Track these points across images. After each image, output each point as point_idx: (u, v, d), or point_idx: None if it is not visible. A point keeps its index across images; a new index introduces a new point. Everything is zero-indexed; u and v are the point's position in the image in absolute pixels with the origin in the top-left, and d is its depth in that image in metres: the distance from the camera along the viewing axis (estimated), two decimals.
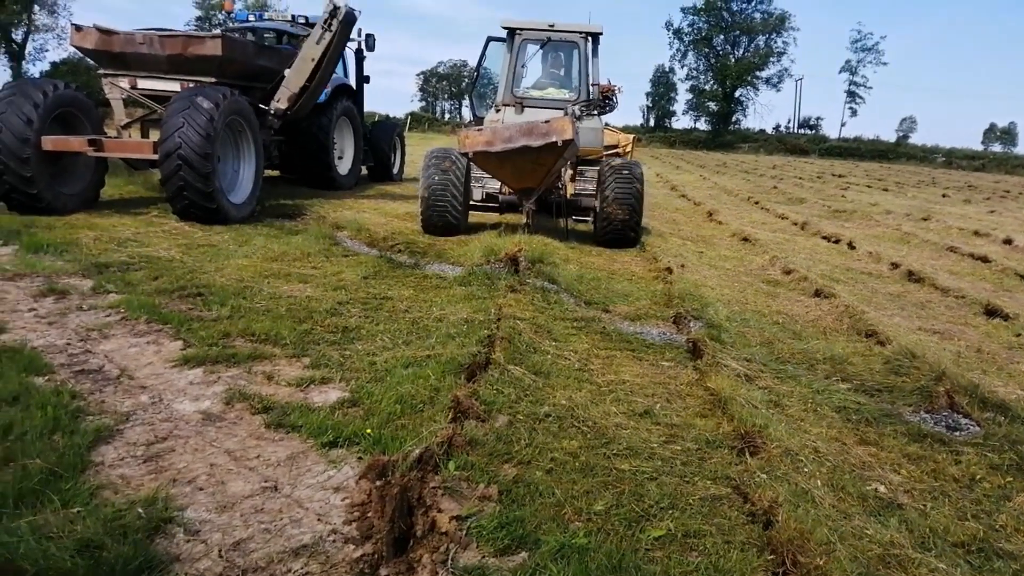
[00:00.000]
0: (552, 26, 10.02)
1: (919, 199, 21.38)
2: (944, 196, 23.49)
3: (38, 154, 8.40)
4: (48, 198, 8.57)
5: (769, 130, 74.61)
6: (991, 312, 6.82)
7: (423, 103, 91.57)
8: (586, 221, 10.12)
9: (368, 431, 3.33)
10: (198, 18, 54.85)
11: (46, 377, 3.77)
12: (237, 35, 12.67)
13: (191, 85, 9.32)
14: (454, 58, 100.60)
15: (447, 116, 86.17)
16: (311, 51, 10.63)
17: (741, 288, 7.29)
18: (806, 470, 3.30)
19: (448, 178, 8.91)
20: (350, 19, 10.69)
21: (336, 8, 10.34)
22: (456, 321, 5.21)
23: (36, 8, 45.95)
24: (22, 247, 6.72)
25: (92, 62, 10.07)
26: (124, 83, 9.67)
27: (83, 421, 3.29)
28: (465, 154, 8.38)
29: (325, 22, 10.43)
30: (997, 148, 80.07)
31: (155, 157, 8.60)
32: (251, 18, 14.79)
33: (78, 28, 9.34)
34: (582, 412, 3.76)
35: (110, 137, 9.51)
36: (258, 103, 10.61)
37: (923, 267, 8.91)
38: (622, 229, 9.10)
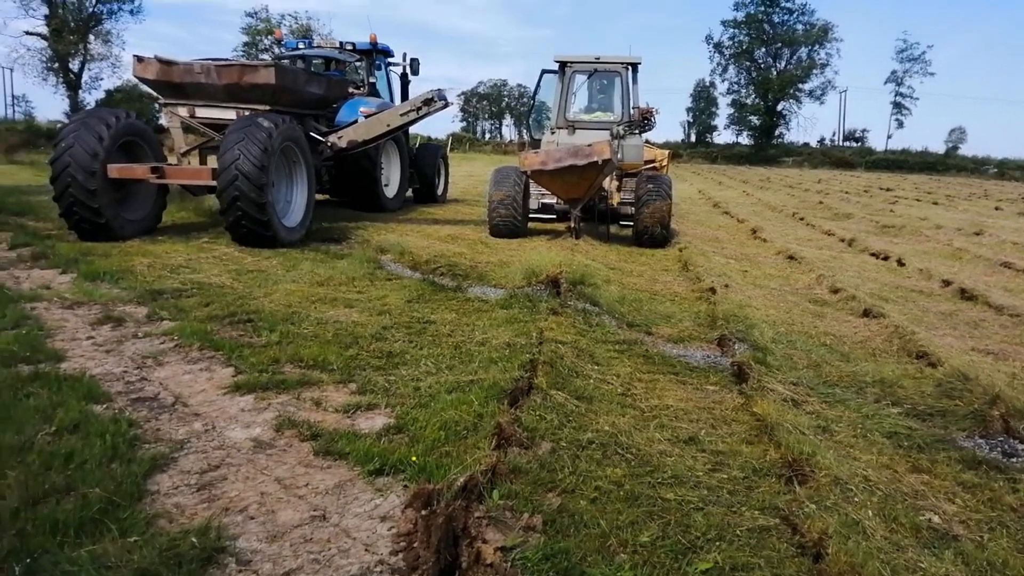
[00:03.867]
0: (598, 59, 11.96)
1: (971, 212, 20.83)
2: (997, 209, 22.84)
3: (104, 181, 8.80)
4: (113, 224, 8.96)
5: (813, 143, 73.59)
6: None
7: (464, 123, 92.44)
8: (628, 226, 11.56)
9: (413, 458, 3.37)
10: (245, 44, 56.27)
11: (104, 405, 3.90)
12: (287, 62, 13.14)
13: (246, 113, 9.66)
14: (494, 77, 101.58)
15: (487, 136, 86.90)
16: (392, 119, 11.40)
17: (787, 308, 7.19)
18: (856, 500, 3.23)
19: (510, 191, 10.86)
20: (441, 106, 11.53)
21: (434, 100, 11.31)
22: (498, 345, 5.24)
23: (92, 38, 47.67)
24: (80, 275, 6.97)
25: (152, 91, 10.51)
26: (183, 111, 10.04)
27: (140, 449, 3.39)
28: (524, 172, 10.50)
29: (420, 105, 11.33)
30: None
31: (214, 183, 8.92)
32: (300, 46, 15.19)
33: (140, 59, 9.74)
34: (626, 439, 3.75)
35: (171, 165, 9.87)
36: (310, 129, 11.01)
37: (976, 284, 8.67)
38: (653, 233, 10.85)
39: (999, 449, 4.03)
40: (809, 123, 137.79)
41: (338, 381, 4.47)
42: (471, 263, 8.70)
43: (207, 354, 4.87)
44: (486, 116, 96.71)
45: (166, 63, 9.64)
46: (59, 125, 36.44)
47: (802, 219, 16.86)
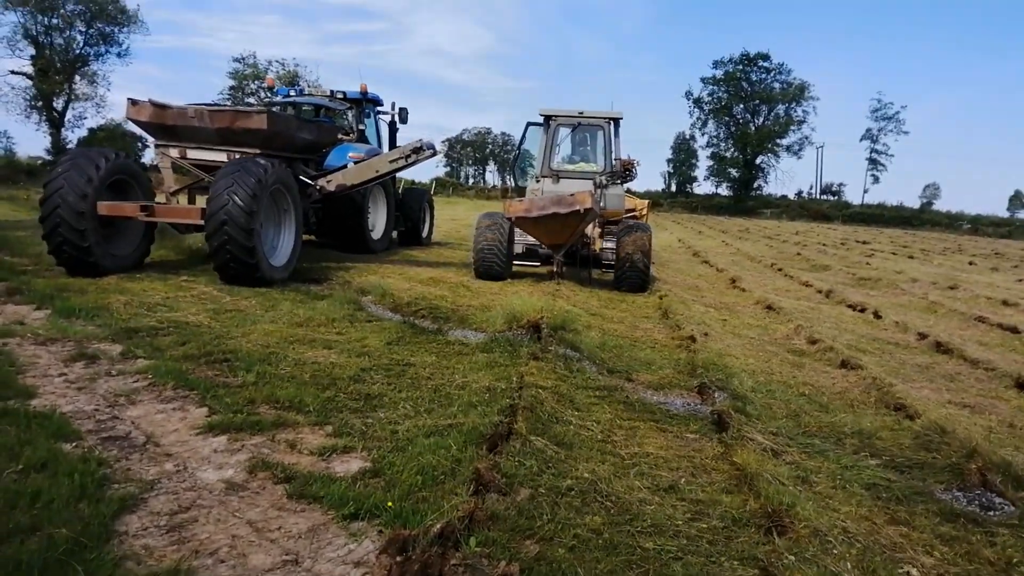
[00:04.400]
0: (581, 113, 12.53)
1: (945, 267, 21.21)
2: (971, 264, 23.29)
3: (93, 218, 8.89)
4: (100, 259, 9.04)
5: (791, 196, 75.01)
6: (1023, 385, 6.69)
7: (448, 168, 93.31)
8: (609, 272, 11.87)
9: (389, 504, 3.31)
10: (231, 87, 56.66)
11: (74, 443, 3.81)
12: (278, 108, 13.39)
13: (237, 156, 9.88)
14: (478, 125, 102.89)
15: (471, 181, 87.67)
16: (380, 165, 11.68)
17: (766, 358, 7.24)
18: (835, 551, 3.22)
19: (495, 236, 11.22)
20: (429, 155, 11.92)
21: (422, 149, 11.64)
22: (478, 389, 5.21)
23: (77, 79, 47.80)
24: (55, 312, 6.86)
25: (144, 133, 10.75)
26: (174, 152, 10.23)
27: (109, 489, 3.31)
28: (509, 218, 10.85)
29: (409, 154, 11.61)
30: (1023, 215, 79.46)
31: (201, 223, 9.03)
32: (292, 93, 15.50)
33: (134, 102, 9.96)
34: (605, 486, 3.72)
35: (160, 203, 10.02)
36: (299, 173, 11.24)
37: (951, 338, 8.79)
38: (633, 279, 11.17)
39: (976, 502, 4.05)
40: (787, 176, 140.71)
41: (314, 423, 4.42)
42: (452, 306, 8.69)
43: (181, 393, 4.79)
44: (470, 162, 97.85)
45: (160, 106, 9.83)
46: (51, 164, 36.47)
47: (780, 270, 17.07)
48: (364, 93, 15.00)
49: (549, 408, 4.85)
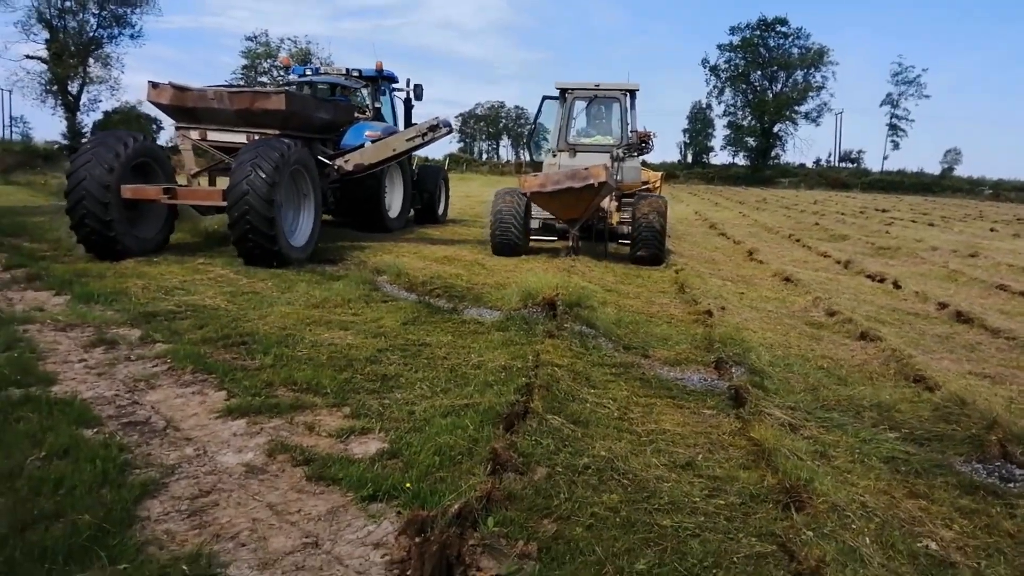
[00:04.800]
0: (598, 85, 12.61)
1: (966, 234, 20.92)
2: (992, 231, 22.94)
3: (117, 201, 9.10)
4: (125, 242, 9.26)
5: (809, 164, 73.94)
6: None
7: (461, 144, 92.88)
8: (626, 244, 11.94)
9: (407, 484, 3.34)
10: (244, 67, 56.57)
11: (95, 429, 3.87)
12: (294, 88, 13.56)
13: (257, 137, 10.03)
14: (491, 99, 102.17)
15: (484, 156, 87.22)
16: (398, 143, 11.89)
17: (784, 331, 7.19)
18: (854, 526, 3.21)
19: (512, 211, 11.41)
20: (445, 132, 12.22)
21: (438, 127, 11.90)
22: (494, 368, 5.23)
23: (91, 61, 47.90)
24: (74, 297, 6.95)
25: (165, 115, 10.89)
26: (195, 135, 10.41)
27: (130, 475, 3.36)
28: (524, 193, 10.97)
29: (425, 131, 11.87)
30: None
31: (224, 204, 9.15)
32: (307, 72, 15.56)
33: (154, 85, 10.12)
34: (622, 464, 3.73)
35: (182, 186, 10.21)
36: (317, 153, 11.40)
37: (972, 307, 8.68)
38: (648, 252, 11.30)
39: (996, 474, 4.02)
40: (805, 144, 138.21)
41: (332, 405, 4.45)
42: (468, 284, 8.69)
43: (200, 377, 4.84)
44: (483, 137, 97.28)
45: (180, 89, 10.02)
46: (68, 149, 36.87)
47: (798, 240, 16.92)
48: (380, 71, 15.06)
49: (565, 386, 4.85)
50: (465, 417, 4.17)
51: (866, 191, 57.42)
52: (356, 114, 13.71)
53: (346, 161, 11.62)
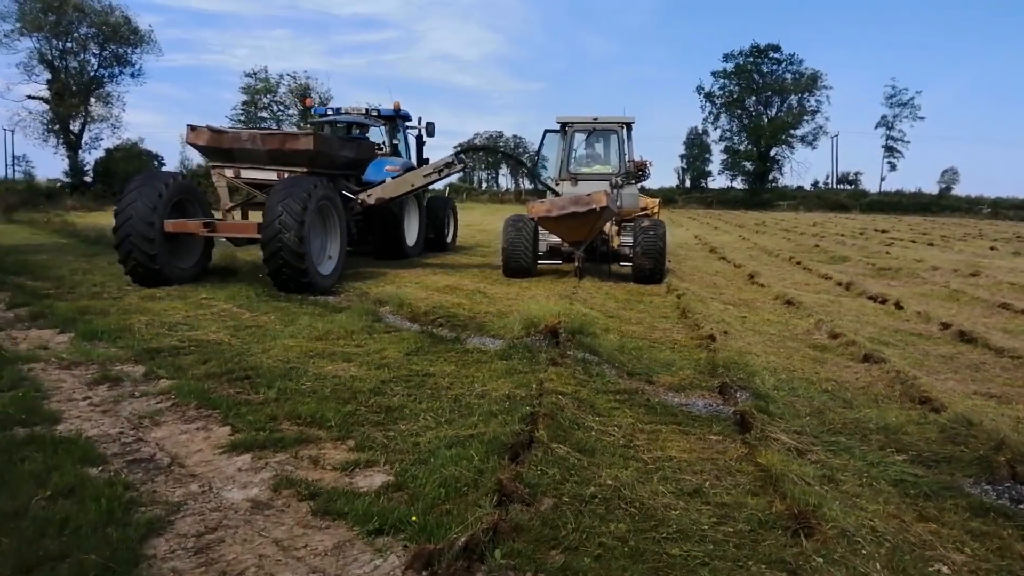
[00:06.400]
0: (596, 119, 13.43)
1: (966, 253, 20.94)
2: (992, 249, 22.97)
3: (161, 235, 9.96)
4: (168, 272, 10.11)
5: (807, 187, 74.27)
6: None
7: (460, 173, 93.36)
8: (627, 266, 12.67)
9: (413, 518, 3.32)
10: (244, 102, 57.04)
11: (100, 468, 3.86)
12: (318, 128, 15.04)
13: (287, 175, 10.79)
14: (489, 129, 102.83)
15: (484, 186, 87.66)
16: (416, 179, 13.10)
17: (787, 354, 7.18)
18: (864, 552, 3.18)
19: (521, 235, 12.22)
20: (459, 169, 13.52)
21: (453, 163, 13.16)
22: (498, 397, 5.22)
23: (92, 100, 48.34)
24: (78, 335, 6.96)
25: (201, 155, 11.89)
26: (229, 173, 11.14)
27: (136, 513, 3.34)
28: (532, 219, 11.91)
29: (442, 168, 13.07)
30: None
31: (259, 236, 9.98)
32: (328, 112, 16.45)
33: (193, 128, 10.90)
34: (629, 492, 3.71)
35: (220, 220, 11.02)
36: (342, 188, 12.29)
37: (975, 326, 8.67)
38: (650, 272, 12.01)
39: (1007, 495, 3.99)
40: (802, 167, 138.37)
41: (336, 438, 4.44)
42: (470, 313, 8.70)
43: (204, 412, 4.84)
44: (482, 167, 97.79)
45: (216, 132, 10.81)
46: (68, 187, 37.44)
47: (799, 263, 16.94)
48: (397, 110, 16.05)
49: (570, 414, 4.84)
50: (470, 448, 4.16)
51: (865, 212, 57.56)
52: (375, 151, 14.53)
53: (369, 195, 12.61)
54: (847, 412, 5.33)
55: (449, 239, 18.01)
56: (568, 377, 5.74)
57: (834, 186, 74.81)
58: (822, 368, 6.69)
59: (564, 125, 13.41)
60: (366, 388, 5.42)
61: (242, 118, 54.37)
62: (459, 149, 13.47)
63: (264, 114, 54.26)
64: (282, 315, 8.25)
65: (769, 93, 70.96)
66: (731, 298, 11.08)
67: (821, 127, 70.82)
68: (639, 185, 13.59)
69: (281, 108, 55.40)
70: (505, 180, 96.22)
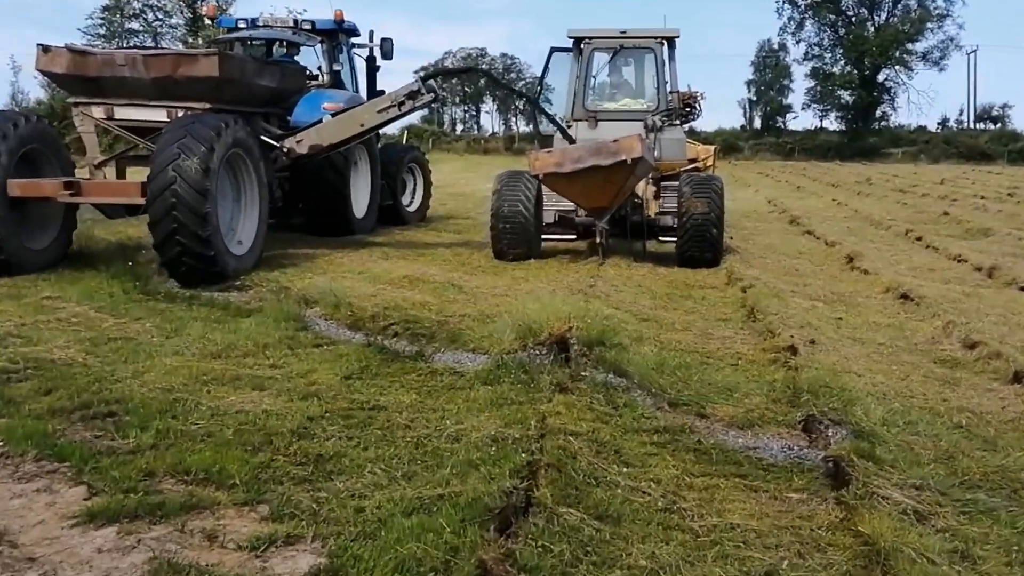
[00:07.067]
0: (624, 33, 13.61)
1: None
2: None
3: (4, 201, 9.70)
4: (13, 256, 9.88)
5: (932, 127, 74.73)
6: None
7: (427, 110, 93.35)
8: (670, 242, 12.83)
9: None
10: (104, 8, 56.91)
11: None
12: (226, 47, 14.89)
13: (181, 113, 10.69)
14: (466, 47, 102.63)
15: (460, 128, 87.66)
16: (367, 117, 12.72)
17: (902, 373, 7.22)
18: None
19: (518, 199, 12.08)
20: (429, 100, 13.13)
21: (420, 93, 12.66)
22: (480, 440, 5.23)
23: None
24: None
25: (59, 87, 11.92)
26: (98, 112, 11.03)
27: None
28: (535, 176, 11.64)
29: (402, 100, 12.65)
30: None
31: (141, 201, 9.86)
32: (240, 24, 16.16)
33: (46, 49, 10.73)
34: None
35: (87, 179, 10.94)
36: (261, 132, 12.12)
37: None
38: (701, 253, 11.99)
39: None
40: (925, 99, 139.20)
41: (242, 502, 4.43)
42: (439, 317, 8.71)
43: (47, 467, 4.82)
44: (457, 100, 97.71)
45: (79, 53, 10.79)
46: None
47: (919, 239, 17.02)
48: (339, 22, 15.78)
49: (585, 464, 4.85)
50: (439, 515, 4.16)
51: (1016, 163, 57.85)
52: (308, 79, 14.48)
53: (299, 142, 12.30)
54: (989, 457, 5.36)
55: (413, 207, 17.98)
56: (583, 409, 5.76)
57: (971, 126, 75.19)
58: (953, 393, 6.73)
59: (579, 41, 13.38)
60: (286, 428, 5.42)
61: (102, 31, 54.29)
62: (425, 75, 13.48)
63: (134, 24, 54.10)
64: (162, 321, 8.25)
65: None
66: (821, 291, 11.13)
67: (952, 39, 71.28)
68: (686, 127, 13.82)
69: (161, 17, 55.31)
70: (490, 120, 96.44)
